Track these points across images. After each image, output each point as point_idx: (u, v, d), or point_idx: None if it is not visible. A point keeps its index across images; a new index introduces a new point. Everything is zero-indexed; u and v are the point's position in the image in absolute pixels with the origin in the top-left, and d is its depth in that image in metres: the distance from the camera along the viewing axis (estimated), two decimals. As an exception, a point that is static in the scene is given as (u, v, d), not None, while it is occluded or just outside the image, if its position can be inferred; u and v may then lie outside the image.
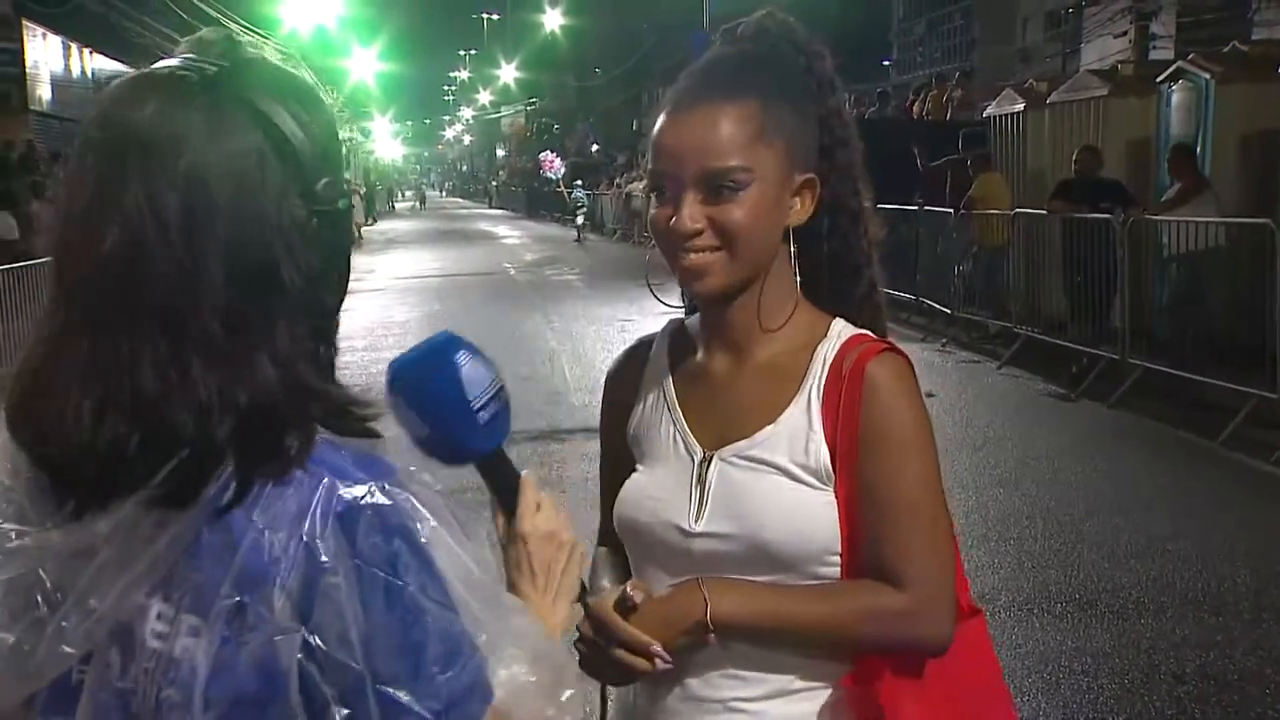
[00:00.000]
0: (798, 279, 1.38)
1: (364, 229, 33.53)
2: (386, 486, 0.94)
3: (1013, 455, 7.02)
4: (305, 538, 0.90)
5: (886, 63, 39.11)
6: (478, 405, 1.10)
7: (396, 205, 60.26)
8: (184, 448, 0.90)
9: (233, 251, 0.92)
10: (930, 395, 8.62)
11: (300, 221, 0.95)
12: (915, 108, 16.34)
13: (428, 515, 0.95)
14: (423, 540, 0.94)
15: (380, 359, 11.14)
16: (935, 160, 12.10)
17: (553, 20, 52.70)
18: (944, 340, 11.00)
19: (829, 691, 1.35)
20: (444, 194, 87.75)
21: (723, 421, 1.39)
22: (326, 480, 0.93)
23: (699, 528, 1.35)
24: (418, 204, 63.49)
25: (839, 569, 1.33)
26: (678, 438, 1.41)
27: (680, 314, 1.52)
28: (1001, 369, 9.73)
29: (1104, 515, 5.83)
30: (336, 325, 1.02)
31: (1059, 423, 7.93)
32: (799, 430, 1.34)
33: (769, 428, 1.36)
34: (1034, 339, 9.75)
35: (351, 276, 1.04)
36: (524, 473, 1.18)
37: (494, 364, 1.13)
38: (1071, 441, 7.36)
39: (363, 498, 0.92)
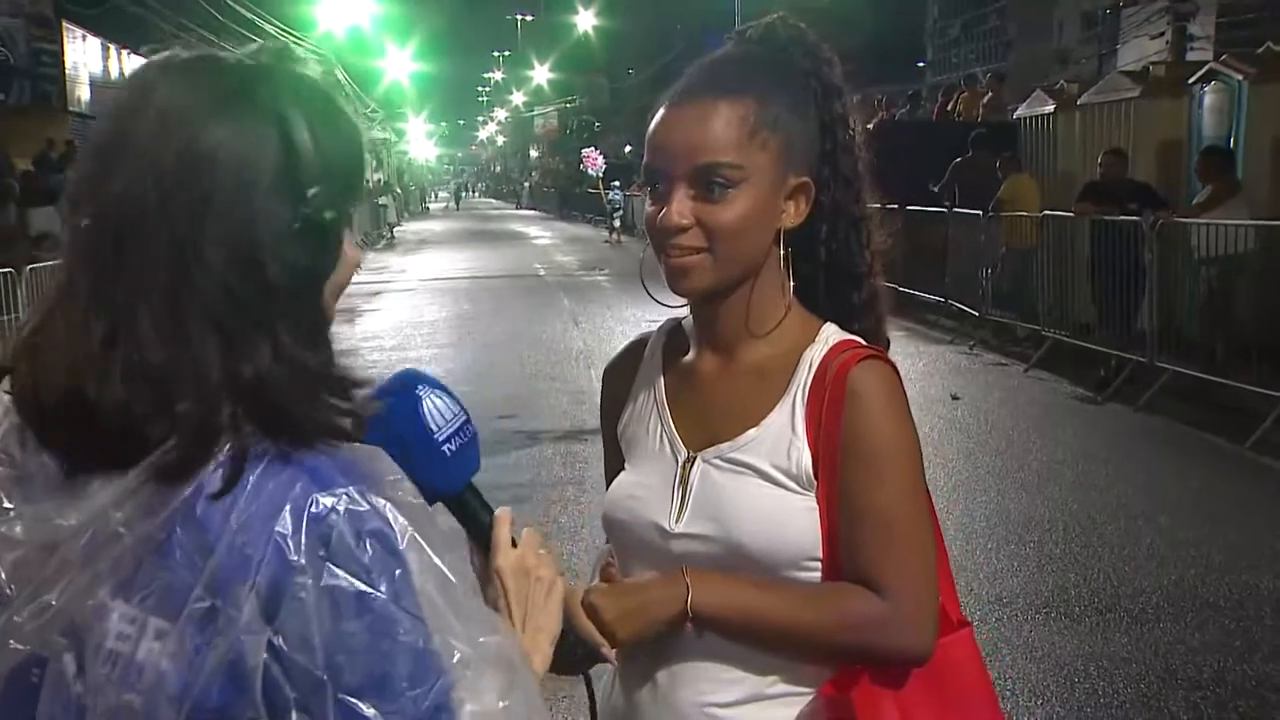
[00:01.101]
0: (791, 283, 1.37)
1: (395, 229, 33.72)
2: (364, 492, 0.92)
3: (1037, 458, 6.98)
4: (277, 539, 0.89)
5: (920, 64, 38.89)
6: (441, 438, 1.09)
7: (430, 206, 60.25)
8: (185, 419, 0.90)
9: (227, 230, 0.93)
10: (956, 398, 8.60)
11: (286, 222, 0.96)
12: (945, 110, 16.22)
13: (406, 524, 0.92)
14: (399, 548, 0.91)
15: (408, 358, 11.24)
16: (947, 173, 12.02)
17: (586, 21, 52.82)
18: (972, 343, 10.93)
19: (807, 699, 1.33)
20: (477, 194, 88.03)
21: (709, 422, 1.39)
22: (304, 482, 0.91)
23: (679, 528, 1.36)
24: (453, 203, 63.68)
25: (819, 574, 1.32)
26: (664, 437, 1.41)
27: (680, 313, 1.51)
28: (1029, 371, 9.66)
29: (1127, 519, 5.78)
30: (326, 329, 1.01)
31: (1085, 426, 7.87)
32: (782, 435, 1.34)
33: (752, 431, 1.35)
34: (1062, 342, 9.68)
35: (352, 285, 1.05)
36: (498, 511, 1.16)
37: (458, 400, 1.12)
38: (1097, 445, 7.31)
39: (337, 503, 0.91)
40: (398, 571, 0.91)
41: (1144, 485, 6.41)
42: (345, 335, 9.54)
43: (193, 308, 0.92)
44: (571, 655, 1.25)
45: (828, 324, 1.39)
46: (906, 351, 10.76)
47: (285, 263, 0.94)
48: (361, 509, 0.91)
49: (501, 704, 0.94)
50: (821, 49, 1.40)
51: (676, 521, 1.36)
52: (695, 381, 1.42)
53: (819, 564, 1.32)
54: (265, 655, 0.87)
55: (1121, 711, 3.84)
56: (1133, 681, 4.03)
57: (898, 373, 1.36)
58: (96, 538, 0.90)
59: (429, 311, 14.84)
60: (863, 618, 1.29)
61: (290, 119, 0.96)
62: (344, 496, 0.91)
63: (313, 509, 0.90)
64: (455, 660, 0.92)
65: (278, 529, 0.89)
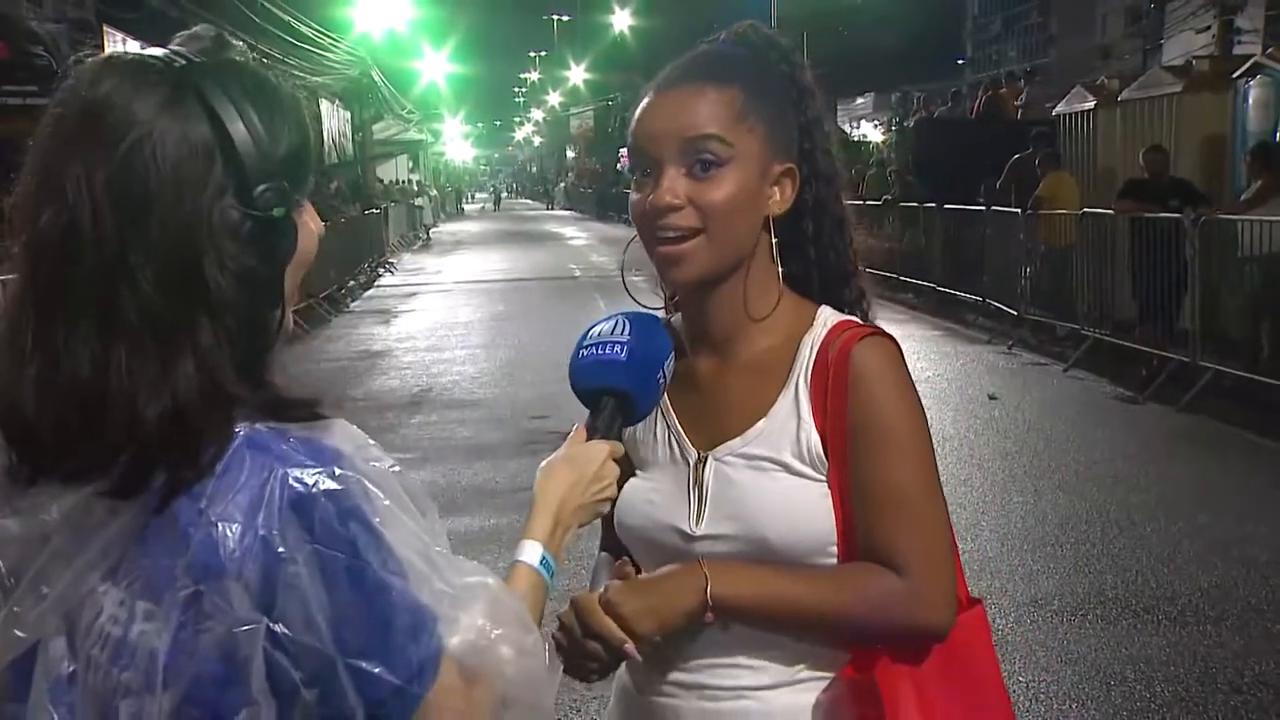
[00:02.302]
0: (779, 269, 1.37)
1: (431, 230, 33.85)
2: (336, 471, 0.95)
3: (1076, 458, 6.89)
4: (261, 530, 0.92)
5: (959, 61, 38.58)
6: (582, 344, 1.36)
7: (465, 207, 60.24)
8: (120, 437, 0.92)
9: (161, 242, 0.93)
10: (993, 397, 8.51)
11: (233, 223, 0.96)
12: (979, 108, 16.08)
13: (379, 494, 0.96)
14: (376, 520, 0.95)
15: (442, 359, 11.29)
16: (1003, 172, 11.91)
17: (622, 21, 52.79)
18: (1010, 342, 10.82)
19: (834, 681, 1.34)
20: (513, 195, 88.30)
21: (715, 421, 1.39)
22: (279, 471, 0.93)
23: (700, 530, 1.35)
24: (493, 204, 63.74)
25: (837, 559, 1.33)
26: (673, 441, 1.41)
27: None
28: (1068, 371, 9.54)
29: (1166, 520, 5.69)
30: (273, 330, 1.01)
31: (1125, 426, 7.76)
32: (789, 421, 1.34)
33: (761, 423, 1.35)
34: (1102, 340, 9.56)
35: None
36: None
37: (634, 331, 1.35)
38: (1138, 445, 7.20)
39: (314, 485, 0.94)
40: (380, 540, 0.95)
41: (1185, 486, 6.31)
42: (381, 336, 9.64)
43: (121, 328, 0.93)
44: None
45: (823, 307, 1.39)
46: (943, 351, 10.73)
47: (230, 266, 0.95)
48: (337, 488, 0.94)
49: (488, 626, 1.00)
50: (794, 53, 1.41)
51: (697, 524, 1.35)
52: (695, 381, 1.41)
53: (837, 549, 1.32)
54: (266, 644, 0.91)
55: (1160, 715, 3.78)
56: (1171, 685, 3.96)
57: (900, 348, 1.36)
58: (83, 527, 0.94)
59: (464, 312, 14.89)
60: (882, 595, 1.29)
61: (225, 116, 0.95)
62: (318, 479, 0.94)
63: (291, 496, 0.93)
64: (444, 605, 0.98)
65: (260, 523, 0.92)
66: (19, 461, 0.96)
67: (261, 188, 0.96)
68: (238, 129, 0.95)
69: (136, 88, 0.95)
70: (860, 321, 1.38)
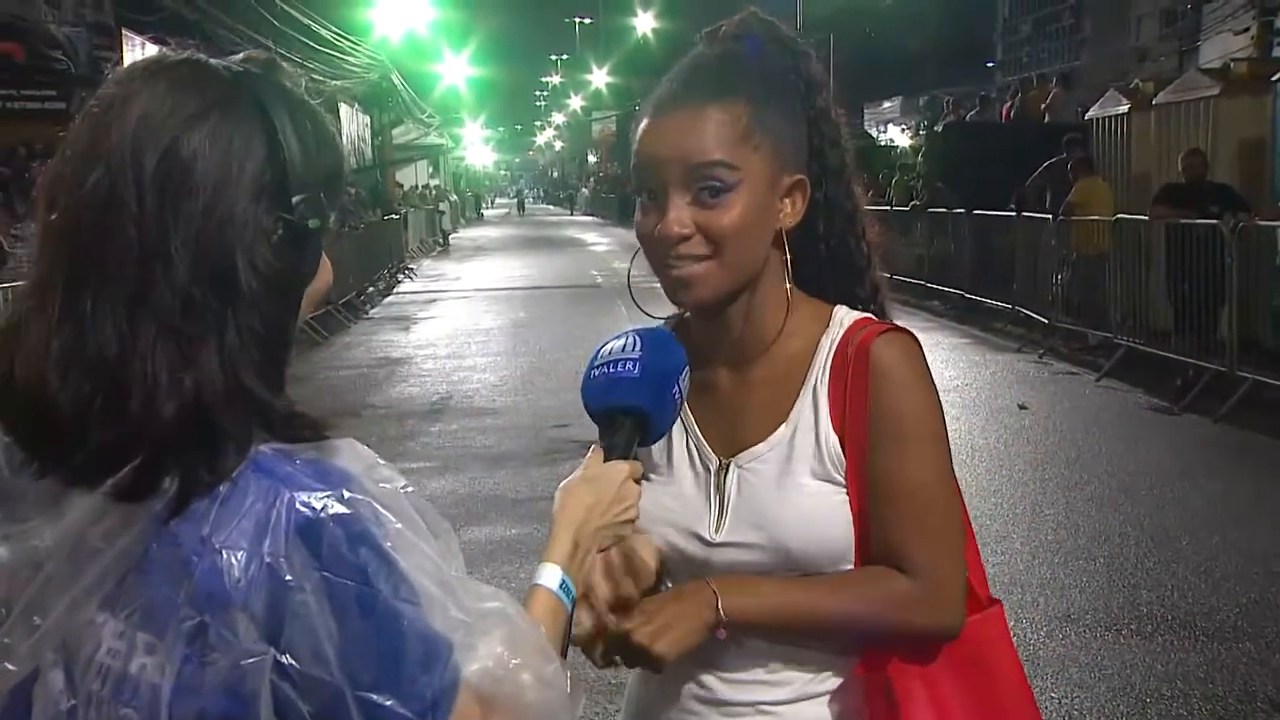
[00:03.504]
0: (789, 284, 1.36)
1: (451, 236, 33.85)
2: (345, 494, 0.93)
3: (1108, 470, 6.76)
4: (268, 557, 0.89)
5: (990, 64, 38.32)
6: (594, 364, 1.32)
7: (485, 213, 60.14)
8: (137, 424, 0.90)
9: (201, 231, 0.93)
10: (1023, 407, 8.41)
11: (269, 227, 0.96)
12: (1008, 112, 15.90)
13: (391, 517, 0.94)
14: (387, 545, 0.93)
15: (462, 366, 11.23)
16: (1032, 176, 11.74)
17: (645, 23, 52.82)
18: (1041, 351, 10.69)
19: (845, 682, 1.34)
20: (534, 200, 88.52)
21: (734, 428, 1.38)
22: (285, 495, 0.91)
23: (720, 538, 1.34)
24: (517, 209, 63.80)
25: (854, 563, 1.32)
26: (693, 448, 1.40)
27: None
28: (1101, 381, 9.39)
29: (1203, 533, 5.56)
30: (291, 343, 1.01)
31: (1160, 437, 7.60)
32: (809, 425, 1.33)
33: (781, 429, 1.35)
34: (1136, 350, 9.41)
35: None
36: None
37: (646, 347, 1.31)
38: (1173, 457, 7.06)
39: (322, 509, 0.91)
40: (392, 565, 0.93)
41: (1222, 499, 6.16)
42: (400, 343, 9.59)
43: (151, 309, 0.92)
44: None
45: (838, 307, 1.38)
46: (972, 360, 10.65)
47: (261, 268, 0.95)
48: (346, 512, 0.92)
49: (506, 654, 0.97)
50: (798, 43, 1.39)
51: (716, 531, 1.35)
52: (712, 388, 1.40)
53: (854, 557, 1.32)
54: (273, 676, 0.89)
55: (1202, 738, 3.67)
56: (1210, 703, 3.87)
57: (920, 343, 1.35)
58: (78, 554, 0.91)
59: (484, 319, 14.88)
60: (892, 598, 1.29)
61: (277, 124, 0.97)
62: (326, 503, 0.92)
63: (298, 521, 0.91)
64: (460, 633, 0.95)
65: (267, 550, 0.89)
66: (30, 449, 0.94)
67: (300, 197, 0.97)
68: (288, 136, 0.97)
69: (194, 79, 0.97)
70: (878, 319, 1.37)
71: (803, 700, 1.33)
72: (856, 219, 1.39)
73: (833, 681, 1.34)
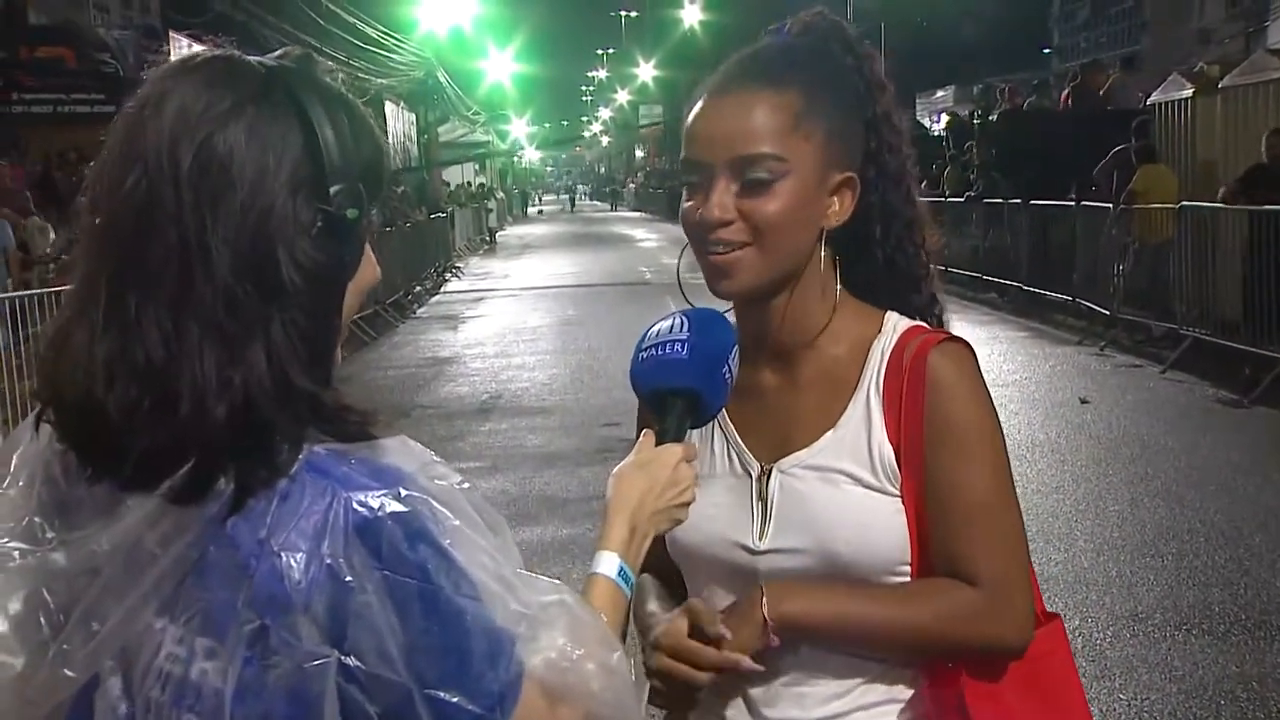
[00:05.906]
0: (837, 285, 1.35)
1: (498, 234, 33.89)
2: (402, 492, 0.93)
3: (1175, 465, 6.55)
4: (327, 559, 0.89)
5: (1046, 50, 37.63)
6: (642, 345, 1.30)
7: (530, 210, 60.02)
8: (188, 427, 0.90)
9: (240, 227, 0.92)
10: (1085, 401, 8.23)
11: (307, 219, 0.95)
12: (1066, 99, 15.53)
13: (448, 514, 0.94)
14: (445, 542, 0.93)
15: (511, 365, 11.18)
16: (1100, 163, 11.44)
17: (692, 15, 52.55)
18: (1103, 343, 10.44)
19: (912, 699, 1.32)
20: (582, 197, 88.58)
21: (777, 433, 1.36)
22: (341, 496, 0.91)
23: (764, 545, 1.33)
24: (569, 206, 63.75)
25: (909, 575, 1.30)
26: (733, 454, 1.38)
27: None
28: (1165, 373, 9.12)
29: (1276, 529, 5.36)
30: (336, 338, 1.00)
31: (1229, 431, 7.35)
32: (860, 430, 1.31)
33: (829, 434, 1.32)
34: (1202, 341, 9.13)
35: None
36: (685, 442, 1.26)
37: (695, 329, 1.28)
38: (1242, 451, 6.82)
39: (379, 508, 0.91)
40: (451, 562, 0.93)
41: (1298, 495, 5.95)
42: (448, 342, 9.55)
43: (195, 309, 0.92)
44: None
45: (890, 312, 1.37)
46: (1031, 353, 10.46)
47: (302, 262, 0.94)
48: (403, 510, 0.92)
49: (569, 646, 0.97)
50: (863, 44, 1.38)
51: (761, 538, 1.33)
52: (753, 392, 1.37)
53: (909, 568, 1.29)
54: (338, 679, 0.89)
55: (1282, 744, 3.55)
56: None
57: (975, 355, 1.34)
58: (134, 559, 0.92)
59: (532, 317, 14.85)
60: (958, 610, 1.27)
61: (313, 117, 0.96)
62: (383, 502, 0.92)
63: (356, 521, 0.90)
64: (522, 626, 0.95)
65: (326, 551, 0.89)
66: (84, 456, 0.94)
67: (337, 187, 0.96)
68: (323, 127, 0.97)
69: (228, 75, 0.97)
70: (932, 327, 1.36)
71: (857, 712, 1.32)
72: (915, 226, 1.38)
73: (887, 693, 1.32)
